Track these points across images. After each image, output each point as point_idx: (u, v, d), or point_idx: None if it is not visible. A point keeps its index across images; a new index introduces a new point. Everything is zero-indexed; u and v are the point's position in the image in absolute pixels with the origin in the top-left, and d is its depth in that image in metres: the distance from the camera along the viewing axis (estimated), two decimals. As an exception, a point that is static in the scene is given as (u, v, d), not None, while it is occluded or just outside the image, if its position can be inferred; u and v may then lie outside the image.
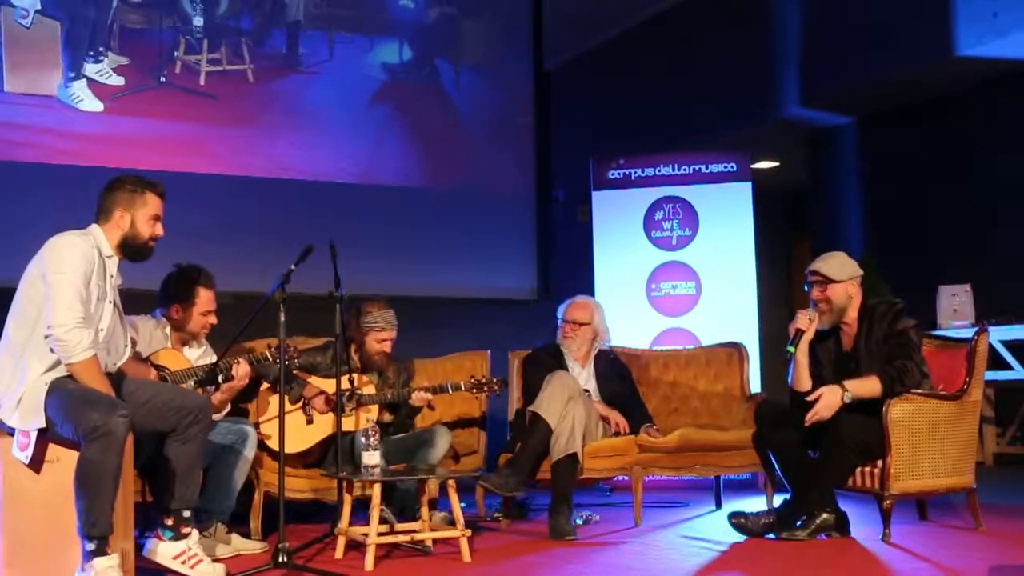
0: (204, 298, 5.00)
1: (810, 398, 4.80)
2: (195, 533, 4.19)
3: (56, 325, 3.79)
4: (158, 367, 4.74)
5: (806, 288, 5.09)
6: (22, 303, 3.93)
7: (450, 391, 5.44)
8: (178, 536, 4.13)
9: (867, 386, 4.79)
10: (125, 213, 4.09)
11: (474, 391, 5.50)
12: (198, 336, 5.07)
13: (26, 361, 3.85)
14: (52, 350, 3.83)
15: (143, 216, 4.11)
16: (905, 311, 4.95)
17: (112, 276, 4.08)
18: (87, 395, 3.78)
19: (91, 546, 3.66)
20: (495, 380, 5.53)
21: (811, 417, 4.75)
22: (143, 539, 4.23)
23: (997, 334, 7.38)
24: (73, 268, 3.87)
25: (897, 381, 4.76)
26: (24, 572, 3.82)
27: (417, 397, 5.40)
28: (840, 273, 4.98)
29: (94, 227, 4.08)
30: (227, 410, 5.04)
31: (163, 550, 4.13)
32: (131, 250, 4.12)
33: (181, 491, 4.13)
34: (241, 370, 4.90)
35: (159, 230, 4.17)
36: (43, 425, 3.80)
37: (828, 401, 4.75)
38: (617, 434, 5.66)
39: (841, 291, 4.97)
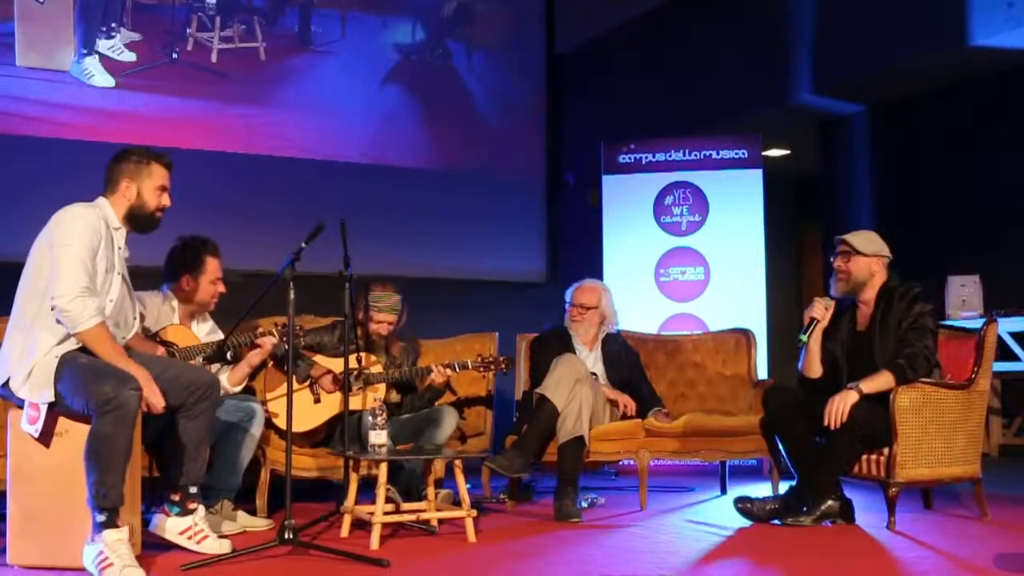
0: (212, 266, 5.02)
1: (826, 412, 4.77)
2: (201, 509, 4.21)
3: (59, 295, 3.80)
4: (166, 343, 4.75)
5: (832, 258, 5.09)
6: (32, 276, 3.94)
7: (457, 370, 5.45)
8: (184, 512, 4.15)
9: (880, 382, 4.78)
10: (131, 184, 4.09)
11: (481, 370, 5.50)
12: (208, 306, 5.06)
13: (36, 333, 3.86)
14: (58, 321, 3.84)
15: (149, 187, 4.12)
16: (922, 296, 4.94)
17: (120, 248, 4.09)
18: (98, 368, 3.79)
19: (101, 518, 3.67)
20: (502, 359, 5.53)
21: (833, 420, 4.71)
22: (149, 514, 4.26)
23: (1005, 325, 7.37)
24: (80, 239, 3.88)
25: (908, 369, 4.76)
26: (34, 544, 3.84)
27: (438, 372, 5.40)
28: (867, 247, 5.00)
29: (101, 199, 4.09)
30: (244, 385, 5.05)
31: (169, 525, 4.15)
32: (138, 221, 4.12)
33: (188, 467, 4.15)
34: (269, 339, 4.92)
35: (166, 201, 4.17)
36: (52, 399, 3.81)
37: (845, 401, 4.72)
38: (626, 416, 5.67)
39: (864, 265, 4.98)
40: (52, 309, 3.84)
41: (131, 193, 4.10)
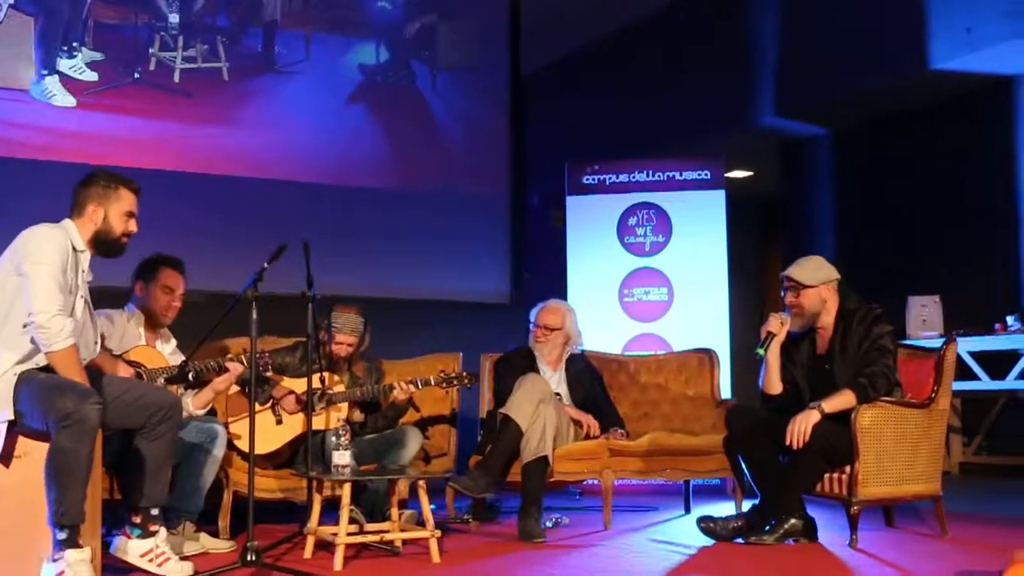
0: (166, 275, 4.99)
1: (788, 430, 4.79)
2: (163, 531, 4.17)
3: (38, 312, 3.76)
4: (133, 363, 4.72)
5: (782, 293, 5.12)
6: None
7: (420, 386, 5.43)
8: (146, 534, 4.11)
9: (841, 401, 4.81)
10: (98, 208, 4.06)
11: (444, 386, 5.49)
12: (162, 317, 5.01)
13: (-1, 350, 3.82)
14: (32, 340, 3.80)
15: (116, 212, 4.09)
16: (882, 318, 4.98)
17: (84, 271, 4.06)
18: (58, 383, 3.75)
19: (62, 535, 3.63)
20: (465, 374, 5.53)
21: (796, 440, 4.74)
22: (110, 537, 4.21)
23: (965, 345, 7.45)
24: (51, 259, 3.84)
25: (870, 388, 4.79)
26: (-8, 567, 3.79)
27: (401, 389, 5.39)
28: (812, 278, 5.01)
29: (67, 221, 4.06)
30: (208, 408, 5.01)
31: (131, 548, 4.11)
32: (103, 246, 4.10)
33: (150, 489, 4.12)
34: (235, 367, 4.87)
35: (132, 227, 4.14)
36: (11, 417, 3.76)
37: (807, 420, 4.75)
38: (589, 436, 5.67)
39: (813, 296, 5.01)
40: (25, 326, 3.80)
41: (98, 217, 4.07)
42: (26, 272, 3.82)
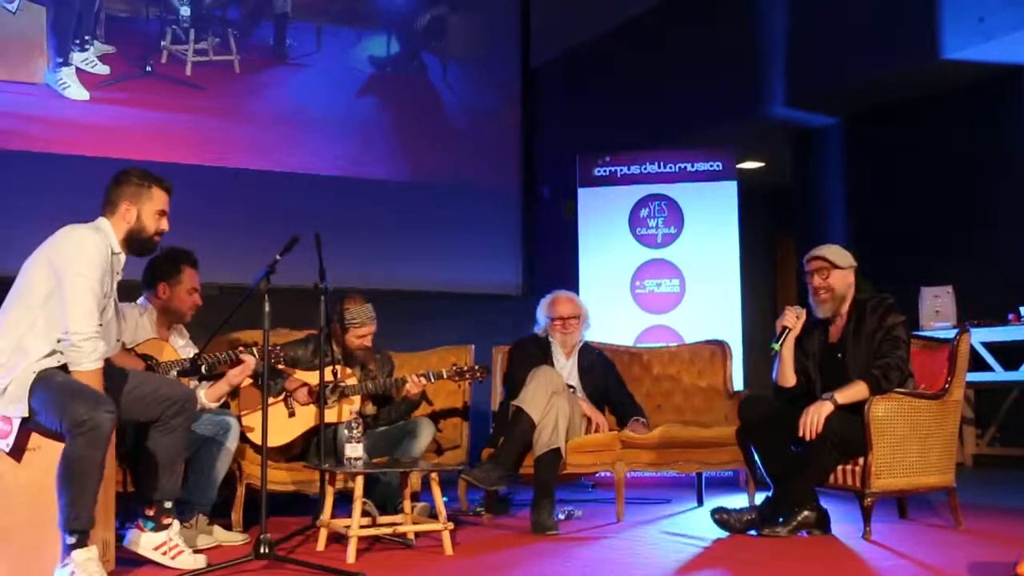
0: (189, 275, 5.01)
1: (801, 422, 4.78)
2: (176, 524, 4.18)
3: (74, 332, 3.76)
4: (145, 356, 4.72)
5: (807, 276, 5.08)
6: (26, 288, 3.88)
7: (432, 380, 5.44)
8: (159, 527, 4.12)
9: (854, 392, 4.79)
10: (131, 207, 4.05)
11: (456, 379, 5.49)
12: (185, 316, 5.04)
13: (24, 347, 3.81)
14: (61, 352, 3.80)
15: (149, 210, 4.08)
16: (896, 307, 4.96)
17: (118, 274, 4.06)
18: (73, 388, 3.74)
19: (71, 540, 3.63)
20: (477, 367, 5.53)
21: (808, 431, 4.73)
22: (124, 529, 4.23)
23: (978, 335, 7.42)
24: (92, 269, 3.83)
25: (883, 379, 4.78)
26: (6, 560, 3.80)
27: (413, 382, 5.39)
28: (843, 260, 5.00)
29: (102, 220, 4.04)
30: (221, 401, 5.01)
31: (144, 541, 4.12)
32: (136, 244, 4.09)
33: (163, 482, 4.13)
34: (249, 359, 4.88)
35: (164, 225, 4.14)
36: (26, 414, 3.76)
37: (820, 412, 4.74)
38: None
39: (842, 278, 4.99)
40: (59, 341, 3.79)
41: (131, 216, 4.05)
42: (64, 281, 3.81)
